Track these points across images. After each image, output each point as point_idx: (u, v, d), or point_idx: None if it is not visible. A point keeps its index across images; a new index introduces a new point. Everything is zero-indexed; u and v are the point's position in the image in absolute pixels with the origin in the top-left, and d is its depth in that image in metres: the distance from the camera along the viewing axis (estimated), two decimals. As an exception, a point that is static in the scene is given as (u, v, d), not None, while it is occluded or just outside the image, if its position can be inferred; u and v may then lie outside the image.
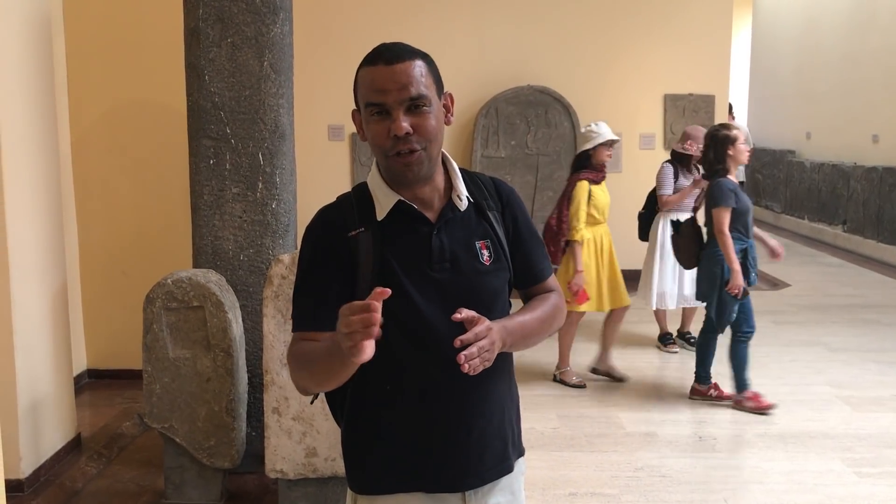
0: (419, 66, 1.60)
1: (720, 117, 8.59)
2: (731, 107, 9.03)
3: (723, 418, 4.79)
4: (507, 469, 1.75)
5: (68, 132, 5.21)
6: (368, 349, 1.39)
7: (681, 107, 8.52)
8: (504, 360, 1.74)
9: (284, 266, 3.37)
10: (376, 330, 1.36)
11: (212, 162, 3.85)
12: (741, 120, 12.63)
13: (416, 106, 1.58)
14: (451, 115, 1.70)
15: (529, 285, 1.81)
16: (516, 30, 8.31)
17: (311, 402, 1.92)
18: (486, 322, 1.52)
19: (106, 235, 5.40)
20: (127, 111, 5.33)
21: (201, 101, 3.82)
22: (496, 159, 8.30)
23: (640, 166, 8.57)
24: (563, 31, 8.36)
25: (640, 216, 6.19)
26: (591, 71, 8.41)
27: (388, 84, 1.57)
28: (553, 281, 1.85)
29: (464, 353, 1.45)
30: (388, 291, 1.39)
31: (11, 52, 3.78)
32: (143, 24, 5.28)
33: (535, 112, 8.28)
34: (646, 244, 6.17)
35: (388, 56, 1.59)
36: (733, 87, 9.40)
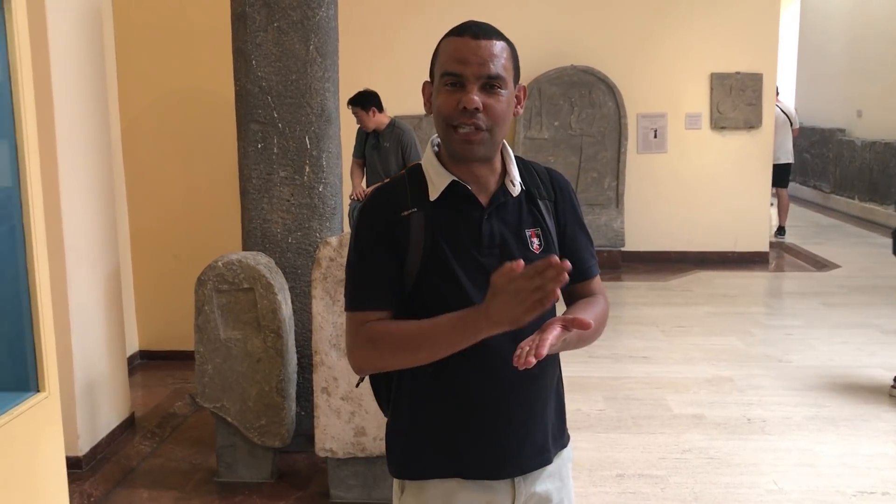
0: (504, 48, 1.60)
1: (768, 96, 8.44)
2: (777, 89, 8.84)
3: (771, 401, 4.73)
4: (546, 461, 1.73)
5: (118, 120, 5.31)
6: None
7: (728, 86, 8.38)
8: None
9: (332, 248, 3.41)
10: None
11: (260, 146, 3.89)
12: (788, 100, 12.37)
13: (491, 85, 1.58)
14: (521, 108, 1.69)
15: (575, 281, 1.72)
16: (559, 9, 8.24)
17: (357, 385, 1.93)
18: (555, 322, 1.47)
19: (156, 220, 5.50)
20: (175, 97, 5.40)
21: (249, 86, 3.86)
22: (539, 140, 8.26)
23: (686, 147, 8.47)
24: (607, 9, 8.26)
25: None
26: (636, 50, 8.31)
27: (470, 56, 1.57)
28: (599, 282, 1.78)
29: (525, 351, 1.41)
30: (521, 263, 1.39)
31: (66, 44, 3.85)
32: (189, 10, 5.35)
33: (578, 92, 8.21)
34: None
35: (476, 31, 1.59)
36: (780, 64, 9.19)
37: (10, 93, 2.51)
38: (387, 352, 1.62)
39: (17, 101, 2.52)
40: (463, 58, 1.57)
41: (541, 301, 1.38)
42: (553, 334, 1.42)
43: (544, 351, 1.39)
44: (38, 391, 2.65)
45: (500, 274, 1.41)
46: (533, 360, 1.38)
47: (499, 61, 1.58)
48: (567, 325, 1.46)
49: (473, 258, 1.62)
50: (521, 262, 1.38)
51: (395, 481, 1.78)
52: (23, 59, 2.52)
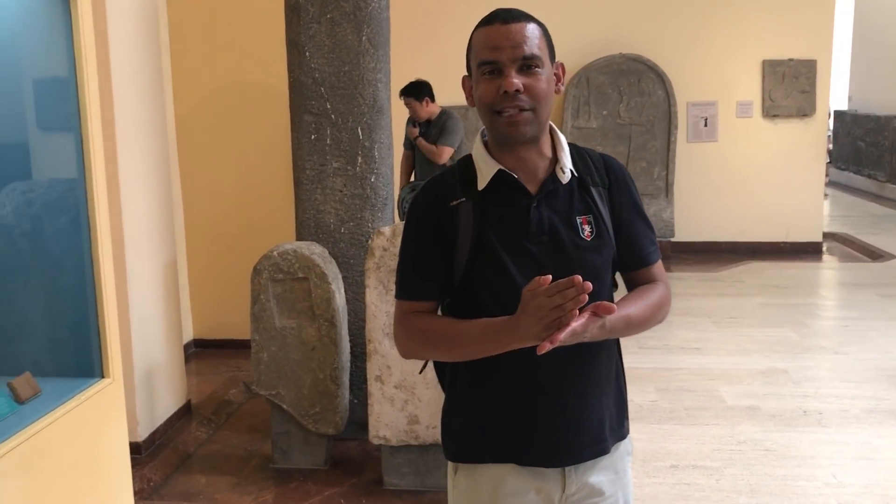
0: (534, 29, 1.62)
1: (822, 83, 8.26)
2: None
3: (828, 393, 4.65)
4: (602, 451, 1.72)
5: (173, 112, 5.40)
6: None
7: (780, 73, 8.22)
8: (606, 341, 1.69)
9: (385, 238, 3.43)
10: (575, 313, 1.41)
11: (313, 137, 3.93)
12: (840, 86, 12.05)
13: (528, 66, 1.59)
14: (562, 85, 1.70)
15: (633, 269, 1.75)
16: (607, -3, 8.16)
17: (420, 372, 1.95)
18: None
19: (210, 211, 5.59)
20: (229, 90, 5.48)
21: (302, 78, 3.90)
22: (587, 130, 8.20)
23: (737, 135, 8.34)
24: (657, -3, 8.16)
25: None
26: (686, 37, 8.19)
27: (502, 42, 1.58)
28: (660, 269, 1.77)
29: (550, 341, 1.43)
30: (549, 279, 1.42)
31: (125, 40, 3.93)
32: (242, 3, 5.41)
33: (627, 81, 8.13)
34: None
35: (505, 16, 1.61)
36: (835, 50, 8.97)
37: (76, 88, 2.58)
38: (423, 346, 1.69)
39: (83, 96, 2.59)
40: (496, 44, 1.59)
41: (559, 320, 1.41)
42: (577, 322, 1.44)
43: (561, 336, 1.41)
44: (103, 377, 2.72)
45: (527, 288, 1.45)
46: (548, 346, 1.41)
47: (532, 42, 1.59)
48: (596, 312, 1.47)
49: (522, 246, 1.62)
50: (549, 277, 1.42)
51: (450, 464, 1.81)
52: (87, 55, 2.58)
